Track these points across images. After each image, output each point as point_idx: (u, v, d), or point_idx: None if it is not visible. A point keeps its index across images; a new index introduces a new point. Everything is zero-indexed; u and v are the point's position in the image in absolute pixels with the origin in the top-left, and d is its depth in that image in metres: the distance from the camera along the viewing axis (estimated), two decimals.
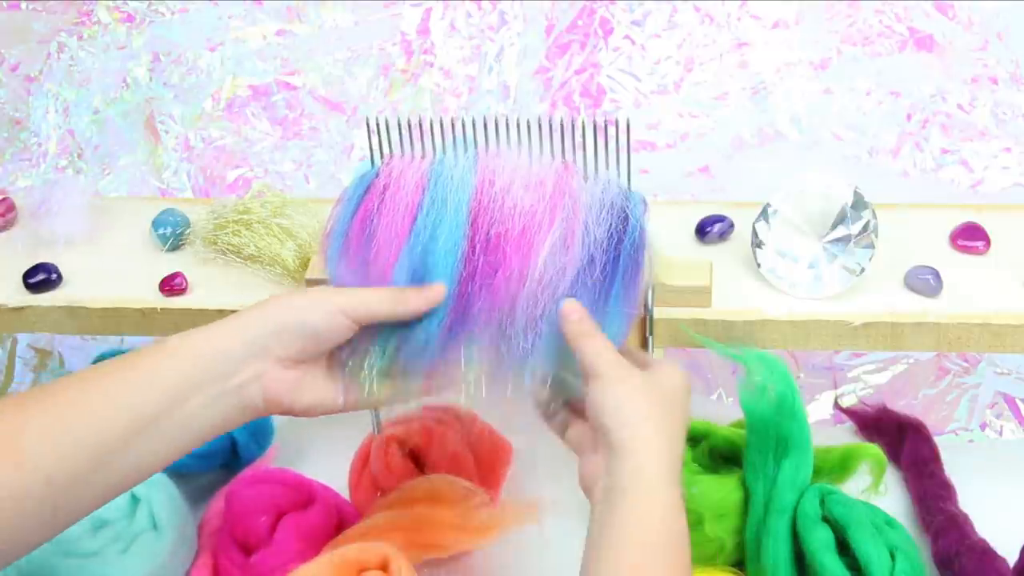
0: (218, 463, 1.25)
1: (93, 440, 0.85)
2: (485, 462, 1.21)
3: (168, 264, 1.20)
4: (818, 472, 1.11)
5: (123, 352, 1.26)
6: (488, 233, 1.01)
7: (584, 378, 0.94)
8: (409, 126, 1.06)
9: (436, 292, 0.98)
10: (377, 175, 1.05)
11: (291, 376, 0.94)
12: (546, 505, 1.19)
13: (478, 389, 1.04)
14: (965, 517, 1.12)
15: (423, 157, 1.06)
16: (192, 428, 0.90)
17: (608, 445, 0.90)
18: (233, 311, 1.14)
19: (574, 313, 0.97)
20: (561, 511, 1.19)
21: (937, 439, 1.22)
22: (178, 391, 0.89)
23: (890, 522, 1.10)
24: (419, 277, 1.00)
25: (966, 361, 1.41)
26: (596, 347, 0.94)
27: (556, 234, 1.01)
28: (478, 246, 1.01)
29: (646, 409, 0.91)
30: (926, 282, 1.12)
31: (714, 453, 1.14)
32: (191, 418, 0.90)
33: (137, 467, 0.88)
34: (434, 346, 1.00)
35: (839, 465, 1.12)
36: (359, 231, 1.03)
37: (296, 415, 0.96)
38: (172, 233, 1.22)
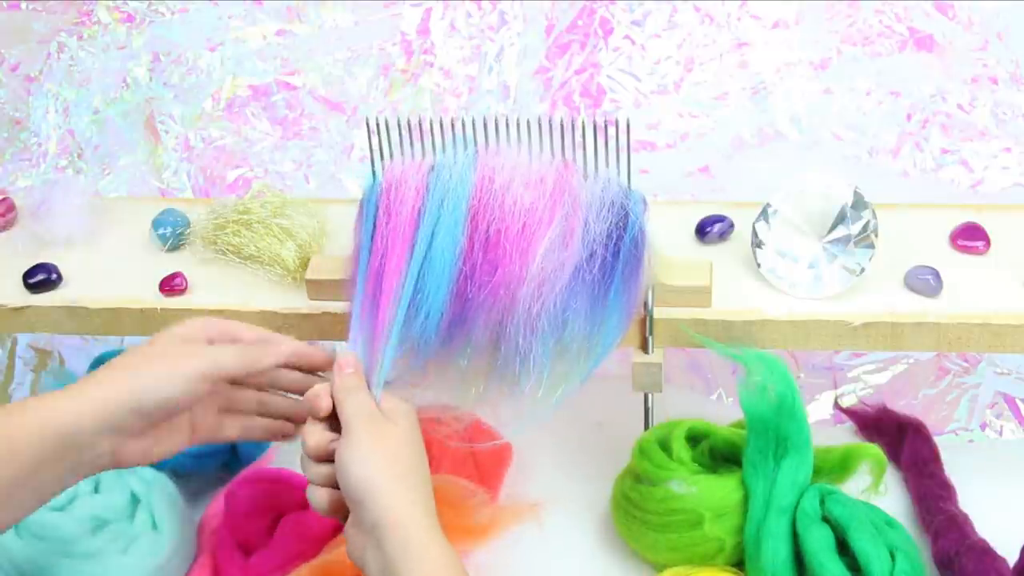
0: (218, 463, 1.25)
1: None
2: (485, 462, 1.21)
3: (168, 264, 1.20)
4: (818, 472, 1.11)
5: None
6: (488, 231, 1.01)
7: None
8: (409, 126, 1.06)
9: (285, 347, 0.97)
10: (380, 187, 1.05)
11: (144, 443, 0.93)
12: (546, 505, 1.19)
13: (477, 387, 1.04)
14: (965, 517, 1.12)
15: (423, 158, 1.06)
16: (39, 496, 0.90)
17: (367, 521, 0.89)
18: (233, 311, 1.15)
19: (349, 366, 0.96)
20: (561, 511, 1.19)
21: (937, 439, 1.22)
22: (31, 467, 0.88)
23: (890, 522, 1.10)
24: (423, 278, 1.00)
25: (966, 361, 1.41)
26: (357, 403, 0.93)
27: (555, 231, 1.01)
28: (477, 244, 1.01)
29: (394, 467, 0.90)
30: (926, 282, 1.12)
31: (714, 453, 1.14)
32: (40, 488, 0.89)
33: None
34: (431, 346, 0.99)
35: (839, 465, 1.12)
36: (372, 245, 1.03)
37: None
38: (172, 233, 1.22)
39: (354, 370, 0.96)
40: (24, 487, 0.88)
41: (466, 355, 1.02)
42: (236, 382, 0.98)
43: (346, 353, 0.97)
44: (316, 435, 0.94)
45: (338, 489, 0.92)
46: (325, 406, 0.94)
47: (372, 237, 1.03)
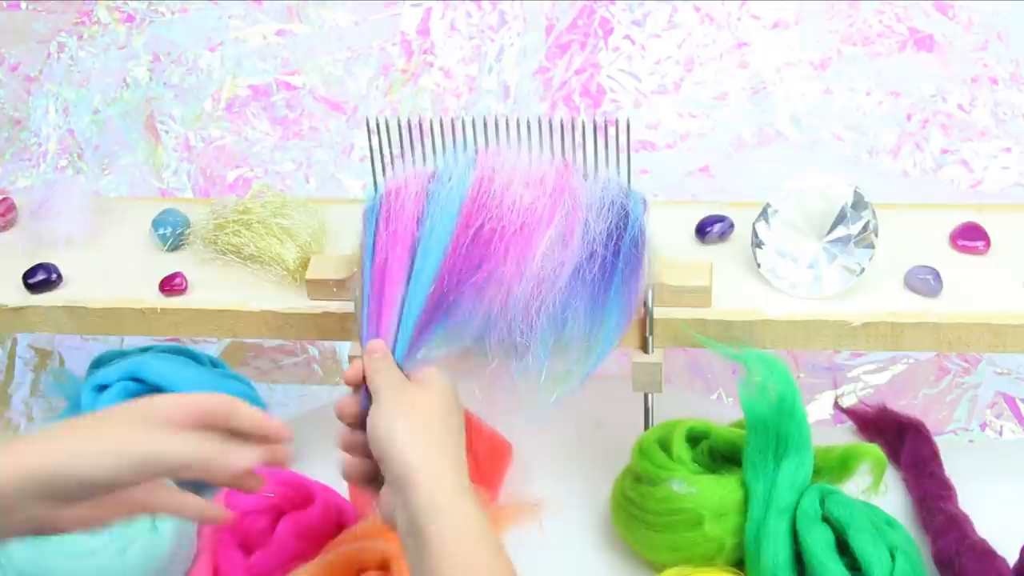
0: None
1: None
2: (485, 462, 1.21)
3: (168, 264, 1.20)
4: (818, 472, 1.11)
5: (124, 353, 1.27)
6: (481, 229, 1.01)
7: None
8: (409, 126, 1.06)
9: (249, 453, 0.88)
10: (382, 194, 1.05)
11: (82, 511, 0.85)
12: (546, 505, 1.19)
13: (470, 386, 1.04)
14: (965, 517, 1.12)
15: (425, 164, 1.06)
16: None
17: (394, 479, 0.89)
18: (233, 311, 1.15)
19: (378, 351, 0.97)
20: (561, 511, 1.19)
21: (937, 439, 1.22)
22: None
23: (890, 522, 1.10)
24: (412, 282, 1.00)
25: (966, 361, 1.41)
26: (387, 375, 0.94)
27: (555, 230, 1.01)
28: (461, 245, 1.00)
29: (419, 425, 0.91)
30: (926, 282, 1.12)
31: (714, 453, 1.14)
32: None
33: None
34: (404, 348, 0.98)
35: (839, 465, 1.12)
36: (374, 252, 1.03)
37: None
38: (172, 233, 1.22)
39: (382, 354, 0.97)
40: None
41: (448, 353, 1.02)
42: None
43: (375, 340, 0.98)
44: (351, 404, 0.97)
45: (368, 458, 0.94)
46: (354, 376, 0.97)
47: (374, 244, 1.03)
